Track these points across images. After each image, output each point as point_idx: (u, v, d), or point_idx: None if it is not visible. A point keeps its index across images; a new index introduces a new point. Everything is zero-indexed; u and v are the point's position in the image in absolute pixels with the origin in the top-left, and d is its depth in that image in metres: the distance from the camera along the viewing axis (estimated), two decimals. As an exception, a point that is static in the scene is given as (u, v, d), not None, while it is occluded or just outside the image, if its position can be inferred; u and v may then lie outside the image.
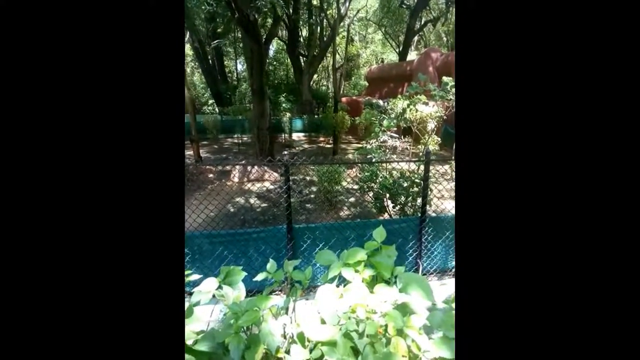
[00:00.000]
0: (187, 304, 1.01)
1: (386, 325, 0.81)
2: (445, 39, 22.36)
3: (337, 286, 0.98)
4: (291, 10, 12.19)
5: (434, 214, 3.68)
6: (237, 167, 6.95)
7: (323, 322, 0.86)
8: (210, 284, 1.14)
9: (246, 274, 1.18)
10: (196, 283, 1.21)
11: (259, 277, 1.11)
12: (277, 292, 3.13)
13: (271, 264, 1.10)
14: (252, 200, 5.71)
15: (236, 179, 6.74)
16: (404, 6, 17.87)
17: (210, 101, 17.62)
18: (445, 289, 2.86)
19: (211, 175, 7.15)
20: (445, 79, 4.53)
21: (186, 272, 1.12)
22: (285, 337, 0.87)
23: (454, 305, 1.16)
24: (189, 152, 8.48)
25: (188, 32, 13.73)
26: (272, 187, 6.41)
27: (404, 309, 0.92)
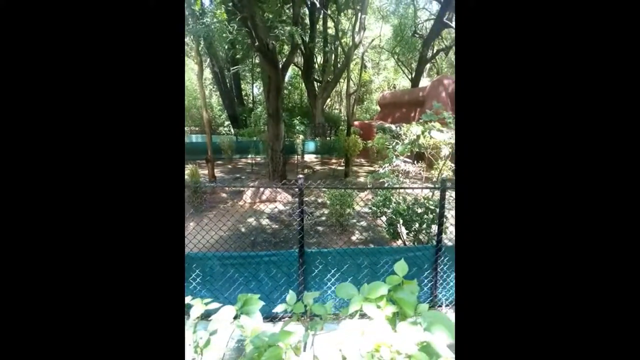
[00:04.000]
0: (206, 333, 1.00)
1: (412, 369, 0.78)
2: (457, 66, 22.74)
3: (360, 319, 0.95)
4: (307, 39, 12.76)
5: (450, 243, 3.59)
6: (250, 188, 7.04)
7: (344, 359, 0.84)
8: (227, 313, 1.13)
9: (264, 303, 1.17)
10: (213, 311, 1.20)
11: (279, 308, 1.09)
12: (285, 318, 3.05)
13: (291, 296, 1.08)
14: (263, 222, 5.72)
15: (248, 200, 6.80)
16: (417, 35, 18.45)
17: (227, 123, 18.21)
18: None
19: (224, 195, 7.24)
20: (459, 106, 4.58)
21: (205, 301, 1.11)
22: (305, 376, 0.84)
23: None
24: (203, 172, 8.67)
25: (208, 58, 14.47)
26: (283, 208, 6.42)
27: (428, 350, 0.89)
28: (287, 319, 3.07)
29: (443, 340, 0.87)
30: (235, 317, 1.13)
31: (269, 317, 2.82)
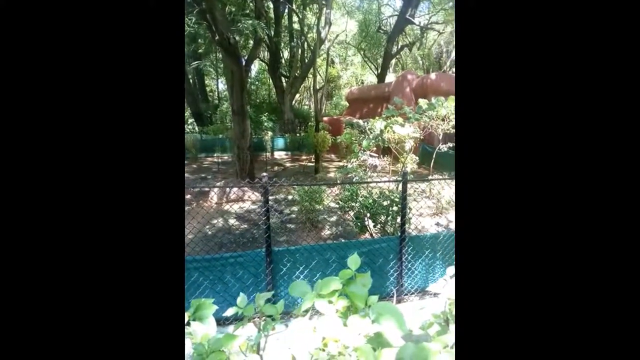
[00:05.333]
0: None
1: (358, 361, 0.79)
2: (421, 62, 23.59)
3: (311, 318, 0.95)
4: (272, 33, 12.52)
5: (414, 233, 3.73)
6: (216, 187, 6.82)
7: (294, 359, 0.83)
8: (178, 320, 1.07)
9: (217, 307, 1.13)
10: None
11: (229, 312, 1.06)
12: (255, 319, 3.01)
13: (241, 298, 1.06)
14: (230, 222, 5.57)
15: (214, 200, 6.58)
16: (381, 31, 18.82)
17: (190, 120, 17.44)
18: (423, 313, 2.85)
19: (188, 196, 6.96)
20: (420, 101, 4.74)
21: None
22: (254, 379, 0.83)
23: (430, 330, 1.15)
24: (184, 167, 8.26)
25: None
26: (252, 207, 6.30)
27: (378, 341, 0.91)
28: (256, 319, 3.03)
29: (392, 330, 0.90)
30: (188, 324, 1.09)
31: (237, 319, 2.76)
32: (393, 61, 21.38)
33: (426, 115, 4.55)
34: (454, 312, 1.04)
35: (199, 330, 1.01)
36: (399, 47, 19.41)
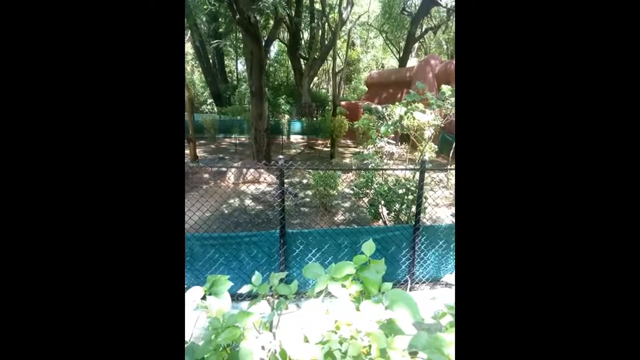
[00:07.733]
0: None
1: (370, 346, 0.79)
2: (445, 46, 22.53)
3: (323, 300, 0.96)
4: (293, 13, 12.22)
5: (428, 223, 3.68)
6: (233, 168, 6.93)
7: (307, 339, 0.85)
8: (195, 293, 1.11)
9: (232, 283, 1.16)
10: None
11: (244, 289, 1.08)
12: (268, 297, 3.10)
13: (256, 276, 1.08)
14: (246, 202, 5.68)
15: (231, 180, 6.70)
16: (405, 13, 18.00)
17: (209, 100, 17.60)
18: (434, 303, 2.86)
19: (206, 175, 7.11)
20: (443, 87, 4.55)
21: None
22: (267, 355, 0.85)
23: (442, 321, 1.14)
24: (185, 151, 8.45)
25: (189, 31, 13.71)
26: (267, 189, 6.38)
27: (390, 327, 0.91)
28: (270, 298, 3.13)
29: (404, 317, 0.89)
30: (204, 298, 1.12)
31: (251, 296, 2.85)
32: (416, 45, 20.54)
33: (449, 103, 4.37)
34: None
35: (214, 304, 1.05)
36: (423, 30, 18.56)
